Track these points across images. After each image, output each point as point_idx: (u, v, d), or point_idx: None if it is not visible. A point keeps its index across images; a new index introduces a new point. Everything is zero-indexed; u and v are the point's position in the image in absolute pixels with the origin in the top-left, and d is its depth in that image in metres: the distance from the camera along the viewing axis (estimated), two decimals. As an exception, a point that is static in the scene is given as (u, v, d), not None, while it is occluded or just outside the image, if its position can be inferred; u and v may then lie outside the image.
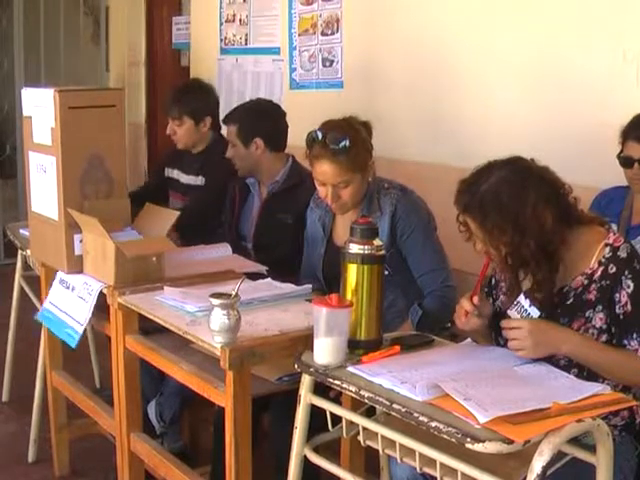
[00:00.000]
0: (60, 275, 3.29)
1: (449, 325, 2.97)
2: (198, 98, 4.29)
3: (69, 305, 3.20)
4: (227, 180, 3.97)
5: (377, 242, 2.41)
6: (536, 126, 3.81)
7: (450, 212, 2.49)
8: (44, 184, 3.22)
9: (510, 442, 1.87)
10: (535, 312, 2.38)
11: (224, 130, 4.07)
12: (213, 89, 4.47)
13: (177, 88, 4.50)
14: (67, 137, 3.07)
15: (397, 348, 2.41)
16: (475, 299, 2.44)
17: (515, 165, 2.41)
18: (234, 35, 5.74)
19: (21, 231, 4.06)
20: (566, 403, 2.02)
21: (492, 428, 1.91)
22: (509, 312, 2.44)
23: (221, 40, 5.86)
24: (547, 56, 3.80)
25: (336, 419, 2.36)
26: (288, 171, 3.79)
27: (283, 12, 5.28)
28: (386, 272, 2.47)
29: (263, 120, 3.82)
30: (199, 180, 4.22)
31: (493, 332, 2.54)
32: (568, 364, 2.35)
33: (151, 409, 3.71)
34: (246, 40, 5.64)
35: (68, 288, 3.22)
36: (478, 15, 4.10)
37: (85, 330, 4.46)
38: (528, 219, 2.30)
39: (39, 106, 3.19)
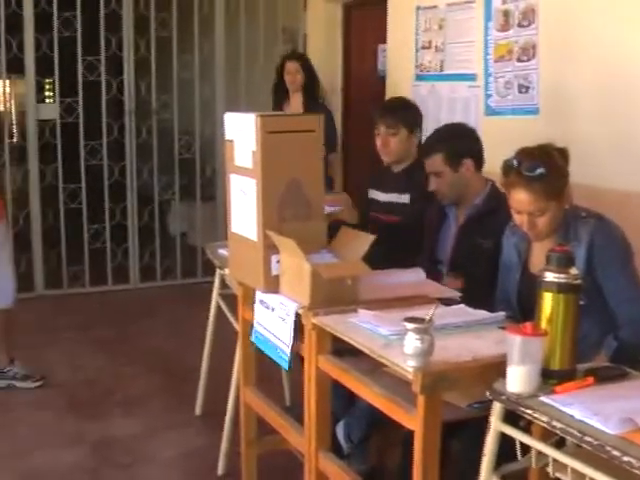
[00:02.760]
0: (259, 296, 3.36)
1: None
2: (410, 111, 4.38)
3: (273, 325, 3.27)
4: (432, 197, 3.95)
5: (573, 271, 2.38)
6: None
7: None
8: (244, 206, 3.30)
9: None
10: None
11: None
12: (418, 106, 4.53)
13: (388, 101, 4.69)
14: (267, 161, 3.14)
15: (591, 379, 2.36)
16: None
17: None
18: (429, 62, 5.77)
19: (220, 251, 4.19)
20: None
21: (688, 465, 1.86)
22: None
23: (417, 66, 5.91)
24: None
25: (525, 448, 2.34)
26: (487, 195, 3.77)
27: (479, 38, 5.28)
28: (581, 302, 2.43)
29: (467, 140, 3.85)
30: (403, 198, 4.24)
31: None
32: None
33: (340, 429, 3.76)
34: (441, 66, 5.66)
35: (268, 308, 3.29)
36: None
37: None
38: None
39: (241, 130, 3.28)
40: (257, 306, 3.40)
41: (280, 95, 6.81)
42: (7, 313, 5.26)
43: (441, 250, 3.88)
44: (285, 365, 3.21)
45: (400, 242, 3.92)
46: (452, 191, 3.79)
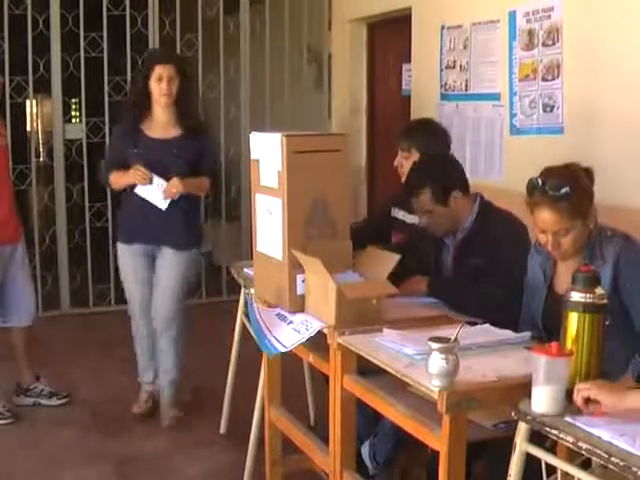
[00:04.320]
0: (280, 310, 3.37)
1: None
2: (428, 135, 4.35)
3: (279, 331, 3.28)
4: None
5: (599, 291, 2.39)
6: None
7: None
8: (269, 225, 3.33)
9: None
10: None
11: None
12: (446, 131, 4.49)
13: (410, 122, 4.67)
14: (293, 180, 3.17)
15: (617, 400, 2.36)
16: None
17: None
18: (454, 81, 5.78)
19: (245, 270, 4.21)
20: None
21: None
22: None
23: (441, 86, 5.92)
24: None
25: (551, 469, 2.34)
26: (475, 215, 3.75)
27: (503, 58, 5.28)
28: (607, 322, 2.43)
29: (450, 172, 3.79)
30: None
31: None
32: None
33: (365, 449, 3.75)
34: (466, 86, 5.67)
35: (285, 321, 3.29)
36: None
37: (303, 368, 4.62)
38: None
39: (266, 150, 3.30)
40: (271, 314, 3.40)
41: (139, 110, 4.89)
42: (28, 331, 5.29)
43: (444, 274, 3.84)
44: (270, 355, 3.33)
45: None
46: (445, 224, 3.76)
